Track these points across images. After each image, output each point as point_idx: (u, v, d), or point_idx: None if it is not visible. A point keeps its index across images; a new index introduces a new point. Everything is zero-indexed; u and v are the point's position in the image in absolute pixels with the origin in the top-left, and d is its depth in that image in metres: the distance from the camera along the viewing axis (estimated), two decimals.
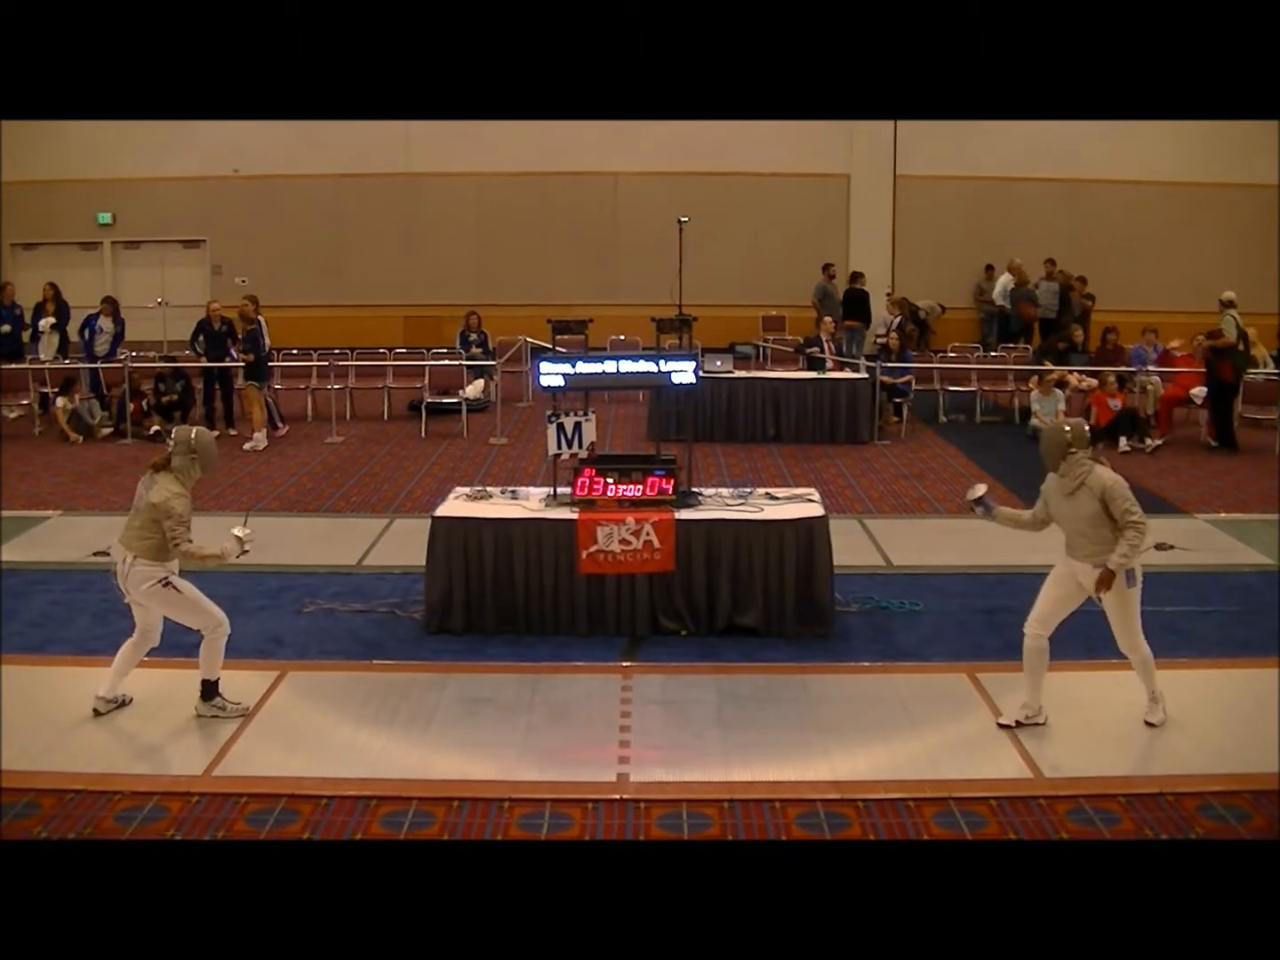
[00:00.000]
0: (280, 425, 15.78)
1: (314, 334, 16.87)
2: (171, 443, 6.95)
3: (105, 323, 16.91)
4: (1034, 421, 15.74)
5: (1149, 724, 6.81)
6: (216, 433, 15.63)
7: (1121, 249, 21.61)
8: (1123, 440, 14.85)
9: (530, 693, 7.35)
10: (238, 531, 6.93)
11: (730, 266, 21.47)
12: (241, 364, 15.39)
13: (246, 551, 6.95)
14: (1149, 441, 14.89)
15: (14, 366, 16.47)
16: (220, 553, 6.87)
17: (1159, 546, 6.78)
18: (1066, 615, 6.89)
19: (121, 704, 7.11)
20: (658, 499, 8.31)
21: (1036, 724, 6.83)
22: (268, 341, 15.96)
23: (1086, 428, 6.81)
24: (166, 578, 6.79)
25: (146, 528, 6.76)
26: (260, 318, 15.54)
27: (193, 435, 6.92)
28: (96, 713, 6.99)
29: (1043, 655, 6.83)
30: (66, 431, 15.44)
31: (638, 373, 8.64)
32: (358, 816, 5.92)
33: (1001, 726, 6.85)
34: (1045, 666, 6.85)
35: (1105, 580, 6.52)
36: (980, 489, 7.15)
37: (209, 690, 6.99)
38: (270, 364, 16.00)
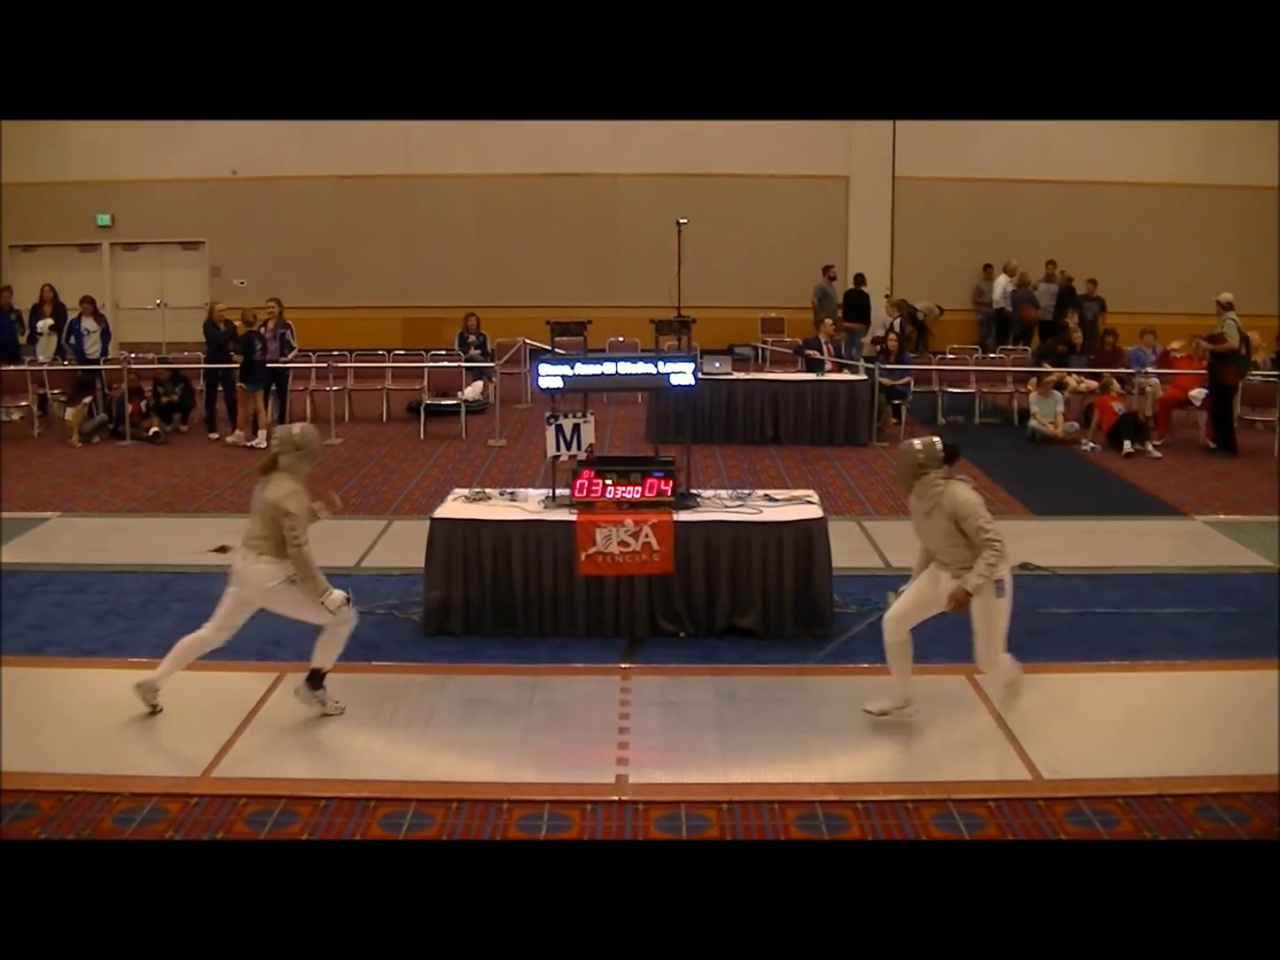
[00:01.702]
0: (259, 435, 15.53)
1: (313, 335, 16.85)
2: (275, 442, 6.91)
3: (89, 323, 16.88)
4: (1033, 424, 15.76)
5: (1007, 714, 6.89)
6: (215, 435, 15.66)
7: (1121, 250, 21.62)
8: (1126, 443, 14.87)
9: (529, 694, 7.34)
10: (342, 596, 6.82)
11: (729, 268, 21.48)
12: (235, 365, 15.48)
13: (334, 614, 6.77)
14: (1149, 445, 14.89)
15: (14, 368, 16.46)
16: (326, 588, 6.72)
17: (1023, 566, 6.70)
18: (927, 618, 6.84)
19: (154, 709, 7.01)
20: (656, 501, 8.30)
21: (905, 714, 6.88)
22: (295, 346, 16.10)
23: (940, 446, 6.67)
24: (291, 576, 6.72)
25: (268, 527, 6.71)
26: (288, 320, 15.90)
27: (295, 431, 6.92)
28: (140, 689, 6.92)
29: (904, 648, 6.82)
30: (74, 438, 15.43)
31: (636, 374, 8.64)
32: (356, 818, 5.91)
33: (867, 712, 6.91)
34: (909, 659, 6.84)
35: (958, 600, 6.43)
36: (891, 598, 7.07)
37: (316, 679, 6.94)
38: (281, 366, 16.03)
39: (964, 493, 6.55)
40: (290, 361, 16.19)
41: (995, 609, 6.53)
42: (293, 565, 6.67)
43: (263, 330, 15.73)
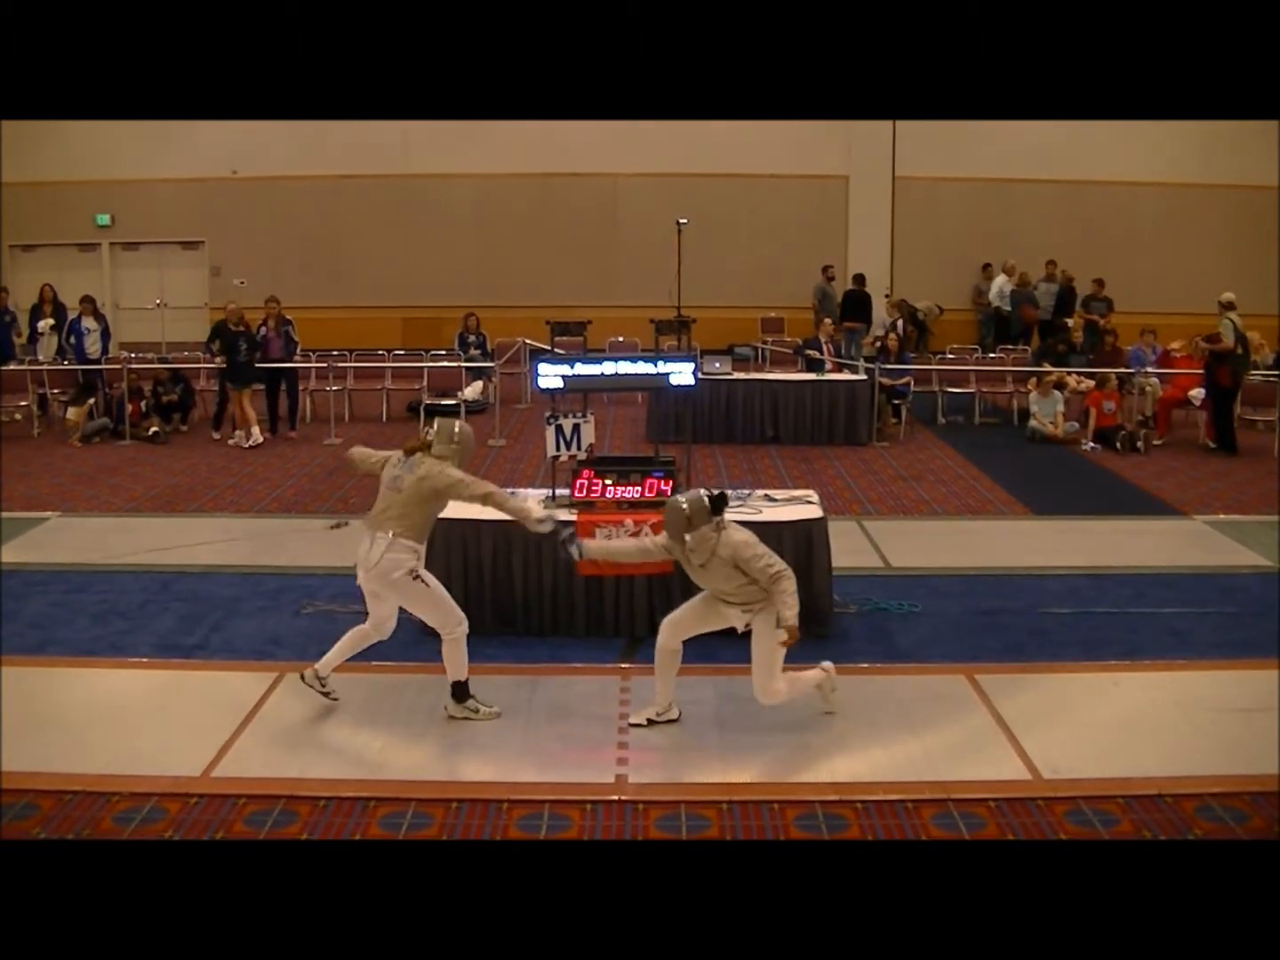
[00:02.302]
0: (254, 435, 15.52)
1: (312, 335, 16.84)
2: (434, 431, 6.93)
3: (89, 322, 16.87)
4: (1033, 423, 15.76)
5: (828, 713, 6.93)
6: (218, 435, 15.66)
7: (1121, 250, 21.62)
8: (1118, 444, 14.91)
9: (529, 694, 7.34)
10: (548, 513, 6.90)
11: (729, 268, 21.47)
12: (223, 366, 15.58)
13: (543, 523, 6.77)
14: (1140, 446, 14.92)
15: (14, 369, 16.46)
16: (528, 508, 6.85)
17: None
18: (703, 632, 6.81)
19: (327, 694, 7.05)
20: (657, 501, 8.29)
21: (670, 719, 6.85)
22: (298, 342, 16.17)
23: (706, 500, 6.49)
24: (416, 570, 6.72)
25: (410, 504, 6.69)
26: (289, 318, 15.98)
27: (456, 428, 6.95)
28: (302, 678, 7.02)
29: (674, 657, 6.78)
30: (75, 439, 15.44)
31: (636, 375, 8.63)
32: (356, 817, 5.91)
33: (634, 725, 6.84)
34: (676, 667, 6.80)
35: (792, 639, 6.42)
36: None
37: (460, 692, 6.95)
38: (281, 365, 16.08)
39: (738, 536, 6.48)
40: (296, 360, 16.24)
41: (774, 642, 6.52)
42: (501, 505, 6.77)
43: (264, 329, 15.76)
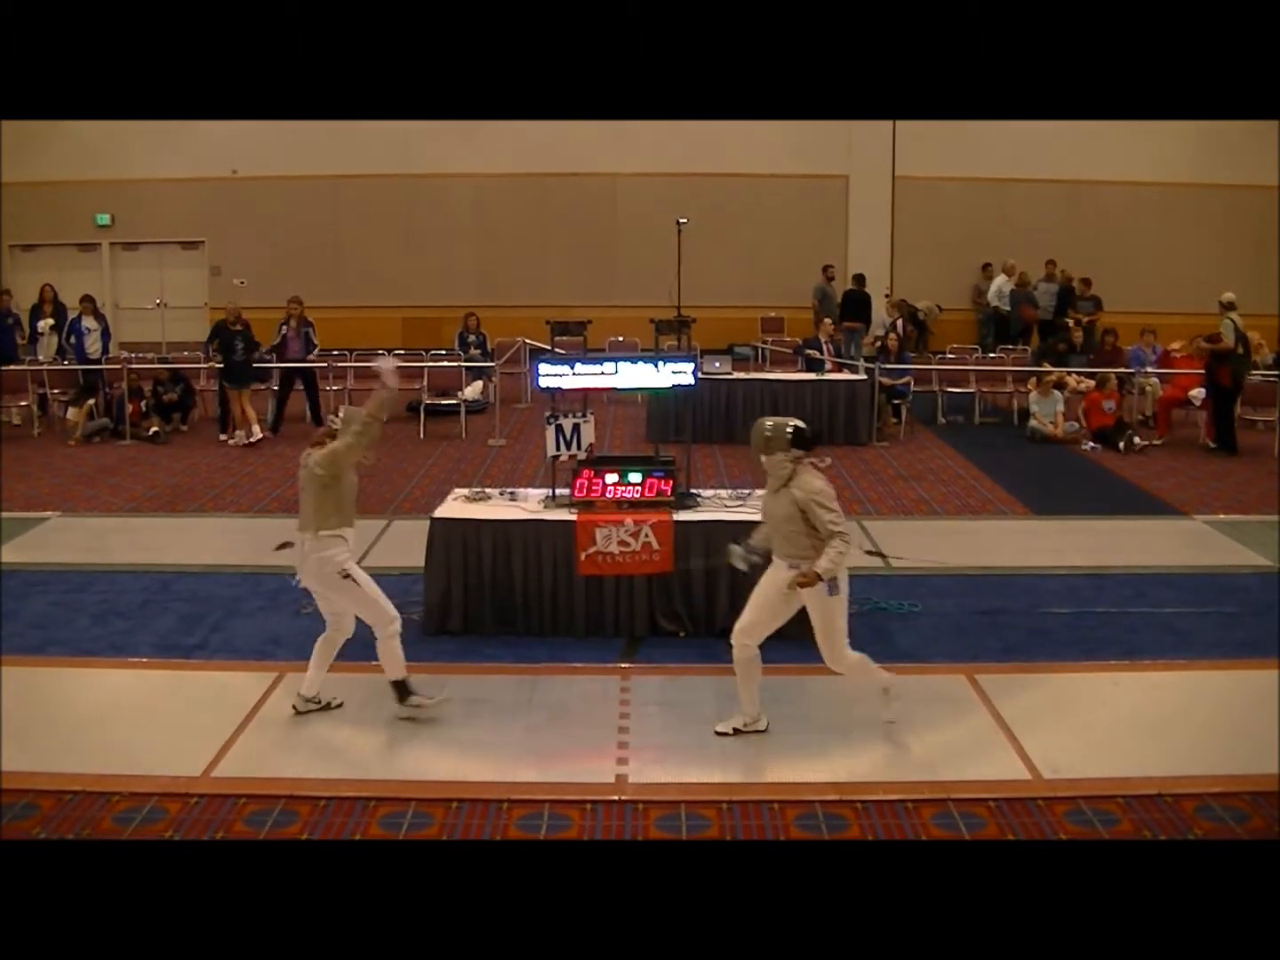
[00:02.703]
0: (254, 433, 15.53)
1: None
2: (339, 419, 6.90)
3: (89, 321, 16.88)
4: (1033, 423, 15.76)
5: (889, 721, 6.77)
6: (224, 436, 15.65)
7: (1121, 250, 21.62)
8: (1120, 444, 14.92)
9: (529, 694, 7.34)
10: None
11: (729, 268, 21.48)
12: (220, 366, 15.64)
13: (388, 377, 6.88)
14: (1138, 442, 14.94)
15: (14, 369, 16.45)
16: (383, 382, 6.86)
17: (869, 552, 6.68)
18: (775, 625, 6.73)
19: (326, 706, 7.06)
20: (656, 500, 8.31)
21: (759, 730, 6.75)
22: (317, 344, 16.31)
23: (790, 429, 6.58)
24: (346, 569, 6.72)
25: (313, 497, 6.72)
26: (309, 319, 16.23)
27: (362, 414, 6.94)
28: (296, 710, 6.99)
29: (752, 665, 6.70)
30: (74, 439, 15.45)
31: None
32: (356, 817, 5.91)
33: (719, 734, 6.75)
34: (757, 675, 6.72)
35: (806, 582, 6.32)
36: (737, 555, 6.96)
37: (402, 690, 6.93)
38: (296, 365, 16.19)
39: (816, 482, 6.48)
40: (313, 360, 16.31)
41: (830, 605, 6.45)
42: (373, 432, 6.76)
43: (285, 329, 15.88)
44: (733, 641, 6.72)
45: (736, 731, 6.75)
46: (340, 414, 6.97)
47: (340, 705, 7.10)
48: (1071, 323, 18.85)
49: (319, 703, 7.05)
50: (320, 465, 6.70)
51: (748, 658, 6.68)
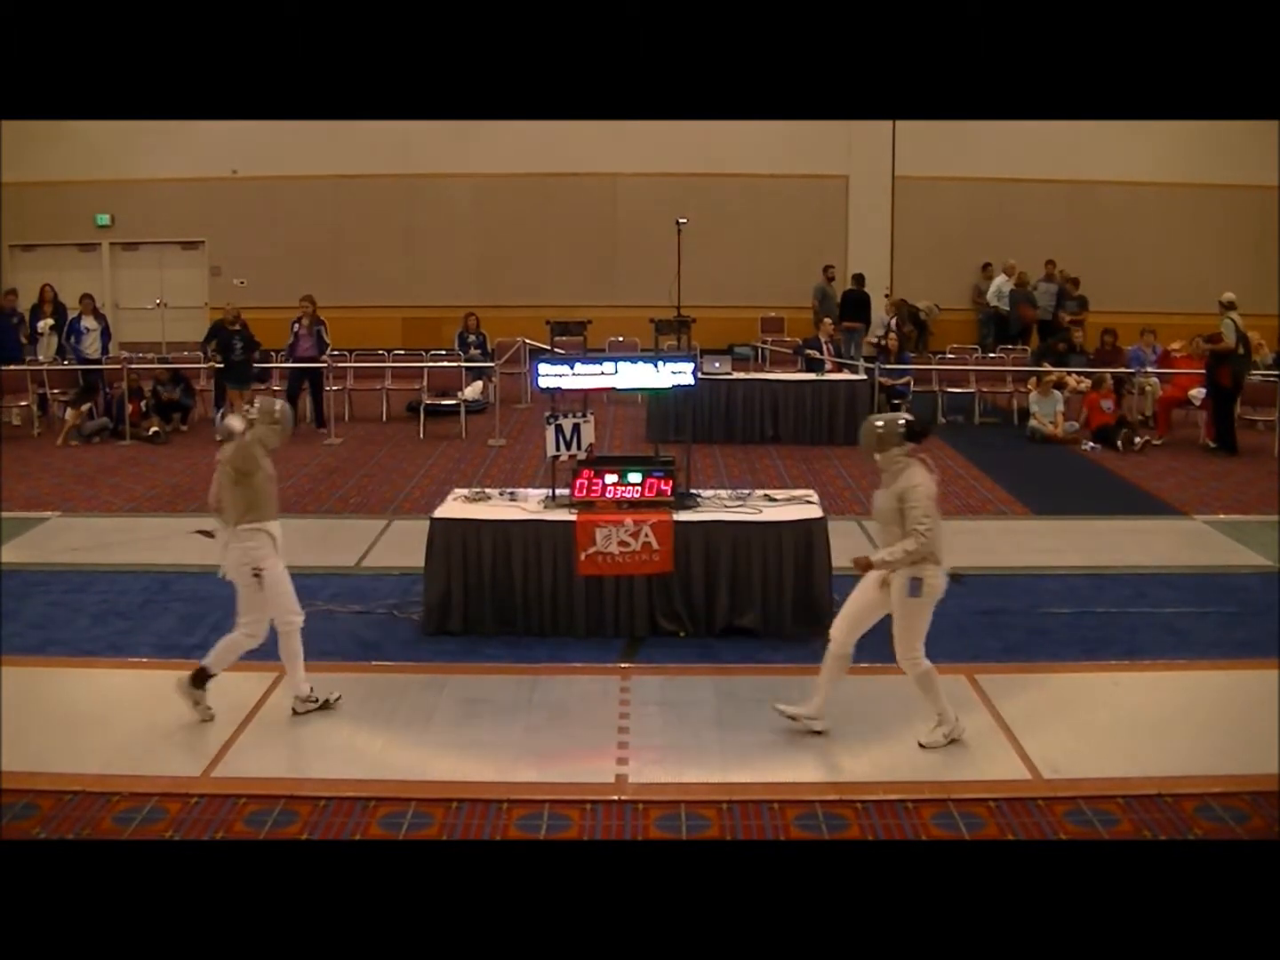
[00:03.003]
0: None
1: None
2: (254, 410, 6.93)
3: (88, 321, 16.89)
4: (1033, 423, 15.77)
5: (921, 745, 6.63)
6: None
7: (1120, 250, 21.64)
8: (1119, 443, 14.95)
9: (529, 694, 7.34)
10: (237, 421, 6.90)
11: (729, 268, 21.49)
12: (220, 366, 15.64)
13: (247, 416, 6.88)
14: (1137, 441, 14.95)
15: (14, 369, 16.45)
16: (236, 429, 6.81)
17: (954, 577, 6.67)
18: (871, 622, 6.71)
19: (324, 704, 7.07)
20: (656, 500, 8.31)
21: (816, 730, 6.72)
22: (329, 344, 16.40)
23: (902, 423, 6.56)
24: (260, 568, 6.74)
25: (227, 492, 6.76)
26: (322, 318, 16.40)
27: (277, 405, 6.98)
28: (295, 712, 7.02)
29: (840, 662, 6.69)
30: (61, 440, 15.45)
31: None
32: (356, 817, 5.91)
33: (778, 711, 6.79)
34: (841, 674, 6.72)
35: (861, 565, 6.39)
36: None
37: (200, 678, 6.92)
38: (305, 364, 16.24)
39: (918, 477, 6.45)
40: (325, 360, 16.33)
41: (910, 606, 6.44)
42: (272, 440, 6.84)
43: (297, 327, 15.91)
44: (830, 635, 6.75)
45: (794, 718, 6.76)
46: (255, 404, 7.02)
47: (339, 699, 7.11)
48: (1063, 322, 18.89)
49: (315, 700, 7.05)
50: (229, 461, 6.75)
51: (839, 654, 6.70)
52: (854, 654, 6.73)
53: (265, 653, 7.98)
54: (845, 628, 6.66)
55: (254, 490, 6.77)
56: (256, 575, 6.74)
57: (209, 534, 7.19)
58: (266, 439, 6.87)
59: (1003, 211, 21.95)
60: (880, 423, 6.54)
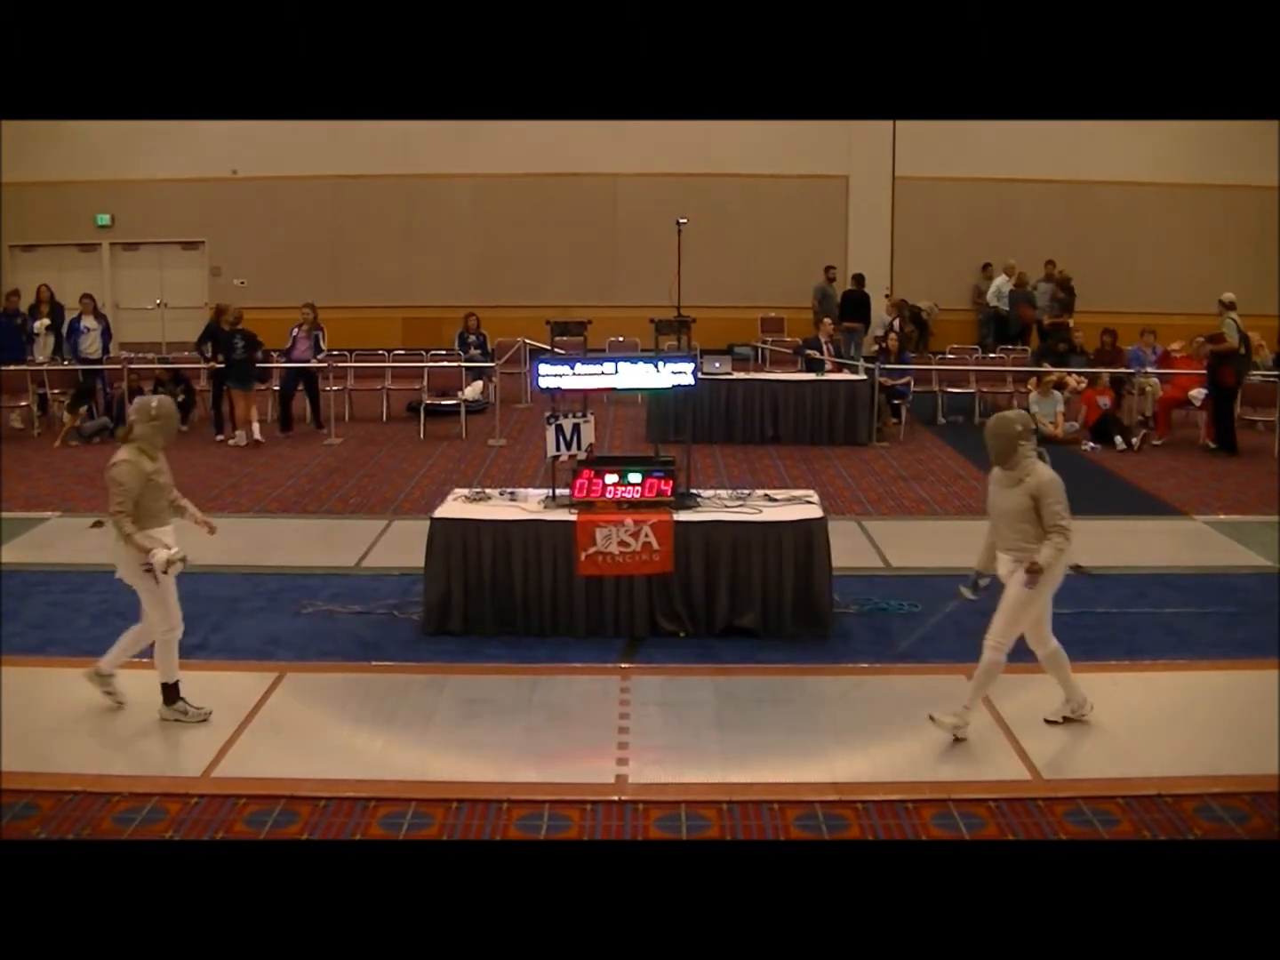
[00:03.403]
0: (255, 434, 15.53)
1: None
2: (133, 412, 6.93)
3: (89, 320, 16.88)
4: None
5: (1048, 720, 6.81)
6: (222, 437, 15.65)
7: (1120, 250, 21.64)
8: (1118, 439, 14.96)
9: (529, 694, 7.34)
10: (176, 552, 6.80)
11: (729, 268, 21.48)
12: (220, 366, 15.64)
13: (165, 573, 6.79)
14: (1134, 441, 14.96)
15: (14, 369, 16.44)
16: (149, 550, 6.71)
17: (1074, 568, 6.71)
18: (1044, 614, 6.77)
19: (111, 693, 7.08)
20: (656, 500, 8.31)
21: (960, 737, 6.71)
22: (325, 347, 16.40)
23: (1030, 423, 6.68)
24: (150, 564, 6.74)
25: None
26: (321, 325, 16.39)
27: (154, 404, 6.93)
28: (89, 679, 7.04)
29: (1055, 659, 6.81)
30: (58, 442, 15.45)
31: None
32: (356, 817, 5.91)
33: (1049, 723, 6.87)
34: (1066, 665, 6.82)
35: (1032, 574, 6.39)
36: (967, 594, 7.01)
37: (169, 694, 6.94)
38: (308, 366, 16.27)
39: (1048, 472, 6.52)
40: (319, 361, 16.32)
41: (1022, 596, 6.49)
42: (117, 529, 6.76)
43: (296, 332, 15.93)
44: (1031, 648, 6.80)
45: (1065, 720, 6.84)
46: (133, 405, 7.02)
47: (122, 705, 7.07)
48: (1043, 318, 19.00)
49: (112, 692, 7.05)
50: (108, 474, 6.78)
51: (1047, 655, 6.79)
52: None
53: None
54: (1032, 635, 6.75)
55: (142, 501, 6.77)
56: (148, 570, 6.73)
57: (100, 524, 7.20)
58: (150, 439, 6.82)
59: (1003, 211, 21.94)
60: (1014, 423, 6.56)
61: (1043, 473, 6.49)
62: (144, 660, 7.83)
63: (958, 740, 6.65)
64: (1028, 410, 15.92)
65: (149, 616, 6.96)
